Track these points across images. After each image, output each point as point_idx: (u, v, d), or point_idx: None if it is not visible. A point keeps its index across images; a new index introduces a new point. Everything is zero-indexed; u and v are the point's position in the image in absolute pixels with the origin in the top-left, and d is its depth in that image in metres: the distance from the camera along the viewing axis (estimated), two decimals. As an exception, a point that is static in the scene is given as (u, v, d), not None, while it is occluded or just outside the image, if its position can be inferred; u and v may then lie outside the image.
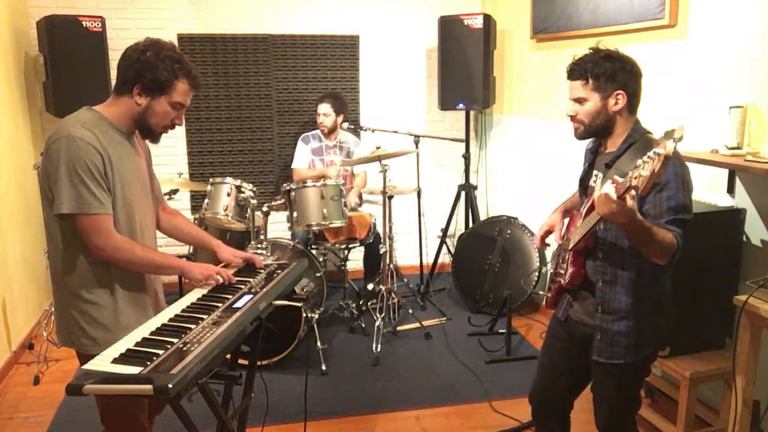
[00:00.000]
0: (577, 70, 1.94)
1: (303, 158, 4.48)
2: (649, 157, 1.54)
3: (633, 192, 1.63)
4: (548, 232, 2.23)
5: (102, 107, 1.94)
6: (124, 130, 1.95)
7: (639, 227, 1.73)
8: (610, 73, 1.89)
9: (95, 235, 1.83)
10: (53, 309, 2.06)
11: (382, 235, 3.98)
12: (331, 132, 4.46)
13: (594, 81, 1.90)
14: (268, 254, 3.45)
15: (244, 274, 2.21)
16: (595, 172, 2.06)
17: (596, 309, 1.99)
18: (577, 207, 2.24)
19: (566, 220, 2.22)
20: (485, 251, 4.41)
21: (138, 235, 1.98)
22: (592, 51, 1.95)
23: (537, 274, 4.16)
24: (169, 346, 1.59)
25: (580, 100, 1.94)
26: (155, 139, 2.02)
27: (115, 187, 1.88)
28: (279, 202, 3.82)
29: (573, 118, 1.98)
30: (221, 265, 2.23)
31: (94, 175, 1.80)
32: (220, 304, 1.89)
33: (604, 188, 1.69)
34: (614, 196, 1.65)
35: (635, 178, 1.58)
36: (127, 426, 2.00)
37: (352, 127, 4.52)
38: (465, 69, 4.50)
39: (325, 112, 4.38)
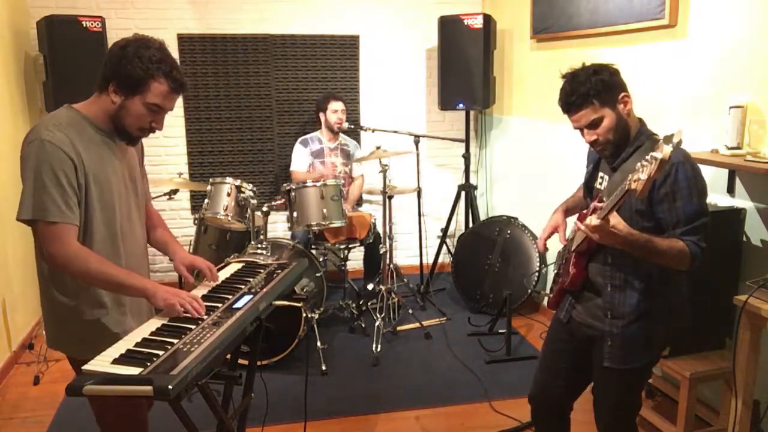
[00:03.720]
0: (578, 101, 1.87)
1: (302, 161, 4.48)
2: (646, 160, 1.55)
3: (615, 209, 1.72)
4: (552, 234, 2.23)
5: (83, 105, 1.86)
6: (106, 129, 1.86)
7: (636, 242, 1.77)
8: (608, 83, 1.86)
9: (49, 243, 1.75)
10: (42, 311, 1.97)
11: (382, 235, 3.98)
12: (335, 132, 4.47)
13: (598, 99, 1.85)
14: (268, 254, 3.45)
15: (244, 274, 2.21)
16: (600, 174, 2.05)
17: (605, 314, 1.98)
18: (579, 207, 2.25)
19: (572, 219, 2.22)
20: (485, 251, 4.41)
21: (119, 239, 1.91)
22: (572, 75, 1.89)
23: (537, 274, 4.16)
24: (169, 347, 1.58)
25: (594, 124, 1.88)
26: (131, 141, 1.91)
27: (91, 192, 1.81)
28: (279, 202, 3.82)
29: (595, 142, 1.92)
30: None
31: (59, 181, 1.72)
32: (220, 305, 1.89)
33: (587, 220, 1.77)
34: (596, 222, 1.72)
35: (634, 181, 1.59)
36: (124, 428, 1.97)
37: (353, 127, 4.52)
38: (465, 69, 4.50)
39: (342, 108, 4.43)
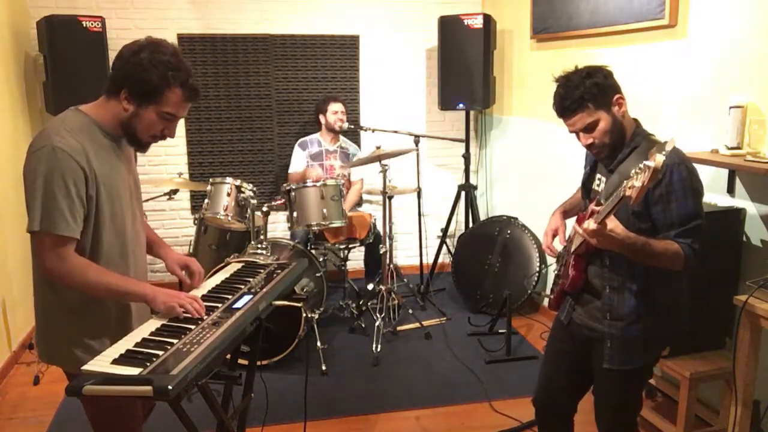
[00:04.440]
0: (572, 105, 1.87)
1: (299, 165, 4.48)
2: (640, 168, 1.56)
3: (614, 213, 1.71)
4: (554, 237, 2.23)
5: (90, 108, 1.80)
6: (114, 134, 1.81)
7: (633, 245, 1.77)
8: (602, 86, 1.86)
9: (49, 255, 1.69)
10: (35, 324, 1.91)
11: (382, 235, 3.98)
12: (336, 134, 4.47)
13: (593, 102, 1.85)
14: (268, 254, 3.45)
15: (244, 274, 2.21)
16: (598, 175, 2.05)
17: (604, 316, 1.98)
18: (578, 208, 2.25)
19: (571, 221, 2.23)
20: (485, 251, 4.41)
21: (128, 247, 1.87)
22: (565, 79, 1.90)
23: (537, 274, 4.16)
24: (169, 347, 1.58)
25: (590, 127, 1.88)
26: (142, 148, 1.86)
27: (102, 201, 1.76)
28: (279, 202, 3.82)
29: (591, 145, 1.92)
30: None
31: (69, 192, 1.67)
32: (220, 305, 1.89)
33: (584, 224, 1.77)
34: (594, 226, 1.72)
35: (629, 188, 1.60)
36: None
37: (352, 127, 4.53)
38: (465, 69, 4.50)
39: (342, 109, 4.44)
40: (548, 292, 2.28)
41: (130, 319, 1.92)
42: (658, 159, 1.52)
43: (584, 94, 1.84)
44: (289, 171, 4.54)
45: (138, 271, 1.95)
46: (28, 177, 1.70)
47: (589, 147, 1.94)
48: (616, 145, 1.92)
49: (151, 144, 1.86)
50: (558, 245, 2.21)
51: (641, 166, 1.56)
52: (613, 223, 1.74)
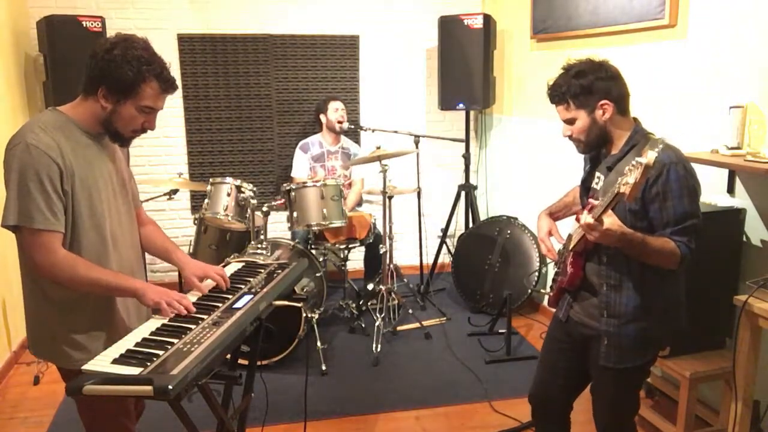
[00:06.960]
0: (555, 96, 1.96)
1: (302, 167, 4.48)
2: (632, 165, 1.59)
3: (612, 207, 1.72)
4: (550, 236, 2.24)
5: (68, 108, 1.81)
6: (93, 132, 1.82)
7: (631, 242, 1.78)
8: (587, 89, 1.89)
9: (34, 251, 1.72)
10: (25, 319, 1.90)
11: (382, 235, 3.98)
12: (337, 134, 4.48)
13: (574, 101, 1.92)
14: (268, 254, 3.45)
15: (244, 274, 2.21)
16: (597, 174, 2.06)
17: (601, 313, 1.98)
18: (565, 211, 2.29)
19: (565, 220, 2.23)
20: (485, 251, 4.41)
21: (109, 245, 1.87)
22: (563, 71, 1.96)
23: (537, 274, 4.16)
24: (170, 347, 1.58)
25: (569, 121, 1.96)
26: (124, 143, 1.88)
27: (79, 197, 1.76)
28: (279, 202, 3.82)
29: (569, 137, 2.00)
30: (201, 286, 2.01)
31: (44, 186, 1.68)
32: (220, 304, 1.89)
33: (582, 218, 1.78)
34: (592, 221, 1.74)
35: (624, 185, 1.62)
36: None
37: (353, 127, 4.52)
38: (465, 69, 4.50)
39: (343, 107, 4.46)
40: (547, 289, 2.29)
41: (116, 313, 1.91)
42: (650, 156, 1.54)
43: (566, 92, 1.92)
44: (292, 174, 4.53)
45: (123, 267, 1.93)
46: (5, 175, 1.72)
47: (568, 138, 2.01)
48: (594, 144, 1.98)
49: (133, 138, 1.88)
50: (556, 244, 2.21)
51: (634, 162, 1.58)
52: (610, 219, 1.75)
